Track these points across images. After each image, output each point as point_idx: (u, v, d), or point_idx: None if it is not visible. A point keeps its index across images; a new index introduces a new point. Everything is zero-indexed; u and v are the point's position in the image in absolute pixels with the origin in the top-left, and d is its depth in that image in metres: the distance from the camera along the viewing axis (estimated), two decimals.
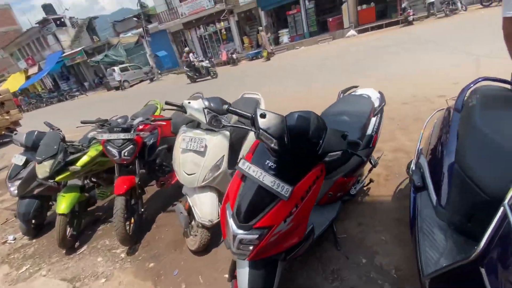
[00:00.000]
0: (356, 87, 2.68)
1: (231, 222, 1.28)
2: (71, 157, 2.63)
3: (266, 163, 1.25)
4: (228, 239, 1.36)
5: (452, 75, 4.70)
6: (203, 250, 2.25)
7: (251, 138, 2.42)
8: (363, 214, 2.21)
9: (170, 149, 2.99)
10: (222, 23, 18.85)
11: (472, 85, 1.72)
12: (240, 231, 1.24)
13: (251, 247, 1.27)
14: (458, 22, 10.56)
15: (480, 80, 1.73)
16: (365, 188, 2.47)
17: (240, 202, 1.27)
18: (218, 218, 2.14)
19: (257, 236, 1.22)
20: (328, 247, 1.98)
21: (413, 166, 1.81)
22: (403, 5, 13.35)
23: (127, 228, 2.42)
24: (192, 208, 2.12)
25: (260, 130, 1.17)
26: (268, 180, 1.19)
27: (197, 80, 13.61)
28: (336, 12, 16.42)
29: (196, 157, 2.05)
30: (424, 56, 6.72)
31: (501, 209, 0.89)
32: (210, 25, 19.41)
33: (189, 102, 2.08)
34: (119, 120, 2.68)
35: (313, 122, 1.20)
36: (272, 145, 1.17)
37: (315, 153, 1.21)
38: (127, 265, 2.40)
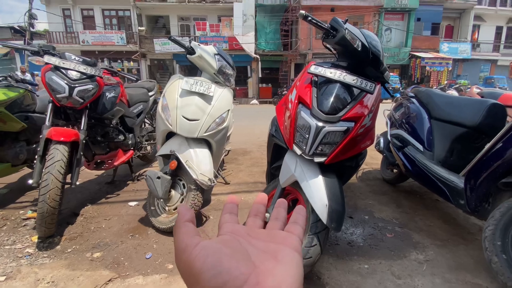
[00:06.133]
0: None
1: (311, 120, 1.16)
2: None
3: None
4: (300, 143, 1.19)
5: None
6: None
7: None
8: None
9: (122, 121, 2.36)
10: (131, 62, 18.03)
11: (409, 89, 2.43)
12: (327, 125, 1.14)
13: (331, 148, 1.16)
14: None
15: (410, 87, 2.47)
16: None
17: (322, 100, 1.20)
18: (216, 181, 1.76)
19: (345, 128, 1.15)
20: None
21: (388, 138, 2.23)
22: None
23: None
24: (185, 166, 1.66)
25: (347, 29, 1.24)
26: (349, 78, 1.21)
27: None
28: (242, 84, 18.98)
29: (202, 101, 1.74)
30: None
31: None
32: (118, 61, 18.13)
33: (199, 44, 1.87)
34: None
35: (380, 45, 1.37)
36: (355, 45, 1.24)
37: (378, 67, 1.35)
38: (44, 260, 1.45)
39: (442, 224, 1.86)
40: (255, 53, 16.78)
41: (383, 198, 2.25)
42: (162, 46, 16.78)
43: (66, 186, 1.77)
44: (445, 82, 14.44)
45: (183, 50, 1.89)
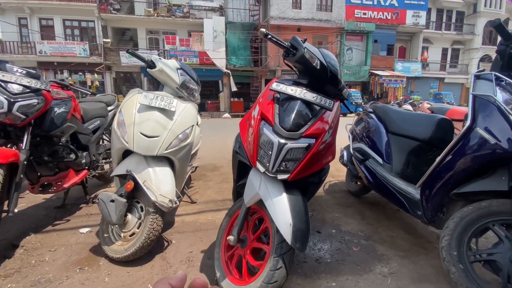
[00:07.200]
0: None
1: (274, 137, 1.15)
2: None
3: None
4: (264, 160, 1.16)
5: None
6: (144, 254, 1.55)
7: None
8: (310, 203, 2.36)
9: (74, 138, 2.16)
10: (95, 75, 17.11)
11: (368, 104, 2.58)
12: (289, 142, 1.13)
13: (294, 165, 1.15)
14: None
15: (369, 103, 2.64)
16: None
17: (283, 117, 1.20)
18: (178, 202, 1.65)
19: (306, 145, 1.15)
20: None
21: (350, 151, 2.31)
22: None
23: None
24: (143, 187, 1.54)
25: (306, 48, 1.27)
26: (309, 95, 1.23)
27: None
28: (214, 98, 18.89)
29: (162, 117, 1.66)
30: None
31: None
32: (79, 73, 17.09)
33: (160, 58, 1.80)
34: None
35: (338, 64, 1.42)
36: (314, 63, 1.27)
37: (337, 85, 1.39)
38: None
39: (403, 234, 1.93)
40: (226, 68, 16.92)
41: (348, 210, 2.29)
42: (129, 59, 16.19)
43: (3, 214, 1.55)
44: (401, 97, 15.78)
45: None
